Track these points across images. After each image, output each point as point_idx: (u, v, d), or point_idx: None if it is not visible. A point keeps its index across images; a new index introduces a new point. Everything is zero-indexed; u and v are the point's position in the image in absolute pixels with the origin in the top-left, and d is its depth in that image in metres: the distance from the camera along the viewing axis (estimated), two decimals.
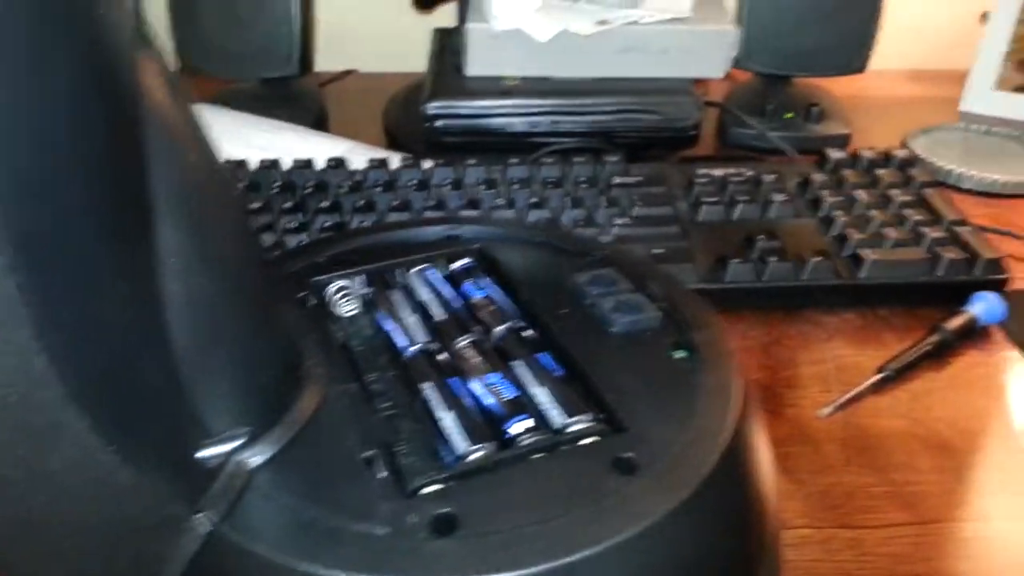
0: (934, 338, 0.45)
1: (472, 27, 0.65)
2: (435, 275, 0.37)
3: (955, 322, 0.46)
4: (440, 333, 0.34)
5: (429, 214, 0.54)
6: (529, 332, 0.34)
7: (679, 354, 0.32)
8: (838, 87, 0.75)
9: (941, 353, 0.46)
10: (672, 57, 0.64)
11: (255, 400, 0.27)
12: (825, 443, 0.40)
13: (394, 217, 0.54)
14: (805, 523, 0.37)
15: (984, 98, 0.76)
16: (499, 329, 0.33)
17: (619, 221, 0.53)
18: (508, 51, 0.65)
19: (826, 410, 0.42)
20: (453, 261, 0.38)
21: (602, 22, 0.63)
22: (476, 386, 0.31)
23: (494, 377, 0.31)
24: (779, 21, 0.66)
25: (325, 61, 0.84)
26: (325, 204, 0.55)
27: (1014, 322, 0.48)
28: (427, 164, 0.60)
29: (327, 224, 0.53)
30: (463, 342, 0.33)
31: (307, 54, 0.71)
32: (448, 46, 0.71)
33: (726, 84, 0.75)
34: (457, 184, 0.57)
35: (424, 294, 0.36)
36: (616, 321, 0.33)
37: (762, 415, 0.36)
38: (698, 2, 0.66)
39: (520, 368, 0.32)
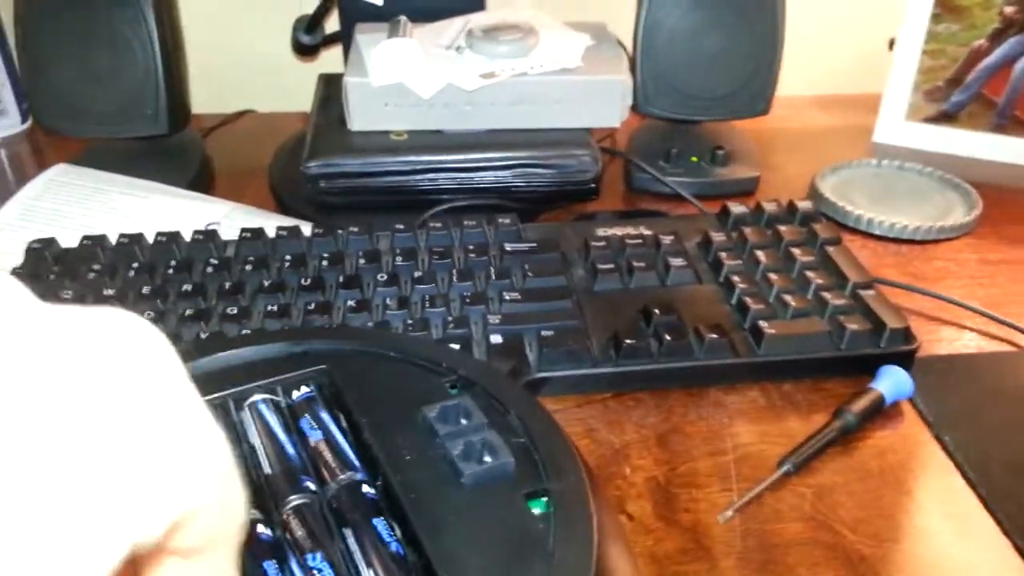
0: (837, 424, 0.42)
1: (351, 81, 0.60)
2: (269, 410, 0.33)
3: (859, 404, 0.43)
4: (266, 492, 0.29)
5: (305, 295, 0.50)
6: (367, 487, 0.29)
7: (535, 507, 0.28)
8: (746, 121, 0.72)
9: (847, 439, 0.43)
10: (565, 108, 0.60)
11: None
12: (722, 557, 0.37)
13: (264, 301, 0.49)
14: None
15: (896, 129, 0.74)
16: (333, 486, 0.29)
17: (509, 296, 0.49)
18: (392, 105, 0.61)
19: (725, 515, 0.39)
20: (293, 388, 0.34)
21: (488, 75, 0.59)
22: (295, 571, 0.26)
23: (316, 558, 0.26)
24: (675, 67, 0.63)
25: (221, 101, 0.79)
26: (187, 288, 0.50)
27: (923, 396, 0.45)
28: (306, 232, 0.55)
29: (188, 312, 0.48)
30: (289, 507, 0.28)
31: (179, 108, 0.66)
32: (333, 94, 0.67)
33: (634, 126, 0.71)
34: (336, 258, 0.53)
35: (254, 437, 0.32)
36: (465, 471, 0.29)
37: (643, 557, 0.32)
38: (591, 49, 0.63)
39: (351, 540, 0.27)
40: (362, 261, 0.52)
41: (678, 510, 0.39)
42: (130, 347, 0.16)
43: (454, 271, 0.51)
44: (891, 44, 0.74)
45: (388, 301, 0.49)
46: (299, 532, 0.27)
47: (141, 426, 0.15)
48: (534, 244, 0.54)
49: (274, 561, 0.26)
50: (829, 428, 0.42)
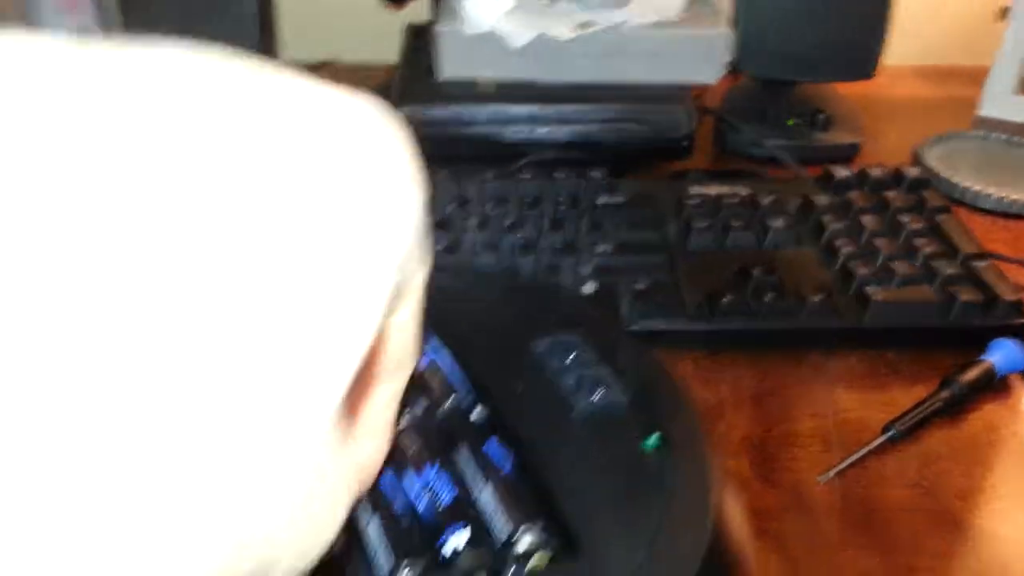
0: (946, 393, 0.40)
1: (443, 29, 0.60)
2: None
3: (970, 374, 0.41)
4: None
5: None
6: (478, 411, 0.29)
7: (648, 445, 0.28)
8: (847, 89, 0.70)
9: (955, 409, 0.41)
10: (661, 62, 0.59)
11: None
12: (823, 515, 0.36)
13: None
14: None
15: (1003, 103, 0.71)
16: (444, 406, 0.29)
17: (601, 248, 0.48)
18: (483, 55, 0.60)
19: (826, 476, 0.37)
20: None
21: (583, 25, 0.58)
22: (411, 482, 0.26)
23: (431, 472, 0.26)
24: (778, 22, 0.61)
25: (302, 50, 0.79)
26: None
27: None
28: None
29: None
30: (403, 422, 0.28)
31: (268, 47, 0.66)
32: (421, 44, 0.66)
33: (725, 86, 0.69)
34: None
35: None
36: (577, 402, 0.28)
37: (745, 508, 0.31)
38: (690, 2, 0.61)
39: (463, 458, 0.27)
40: (452, 206, 0.52)
41: (777, 468, 0.38)
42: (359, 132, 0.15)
43: (545, 221, 0.51)
44: (1003, 13, 0.70)
45: (477, 246, 0.49)
46: (412, 448, 0.27)
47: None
48: (626, 199, 0.53)
49: (391, 470, 0.26)
50: (937, 396, 0.40)
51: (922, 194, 0.51)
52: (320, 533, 0.14)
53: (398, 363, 0.19)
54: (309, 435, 0.13)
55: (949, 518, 0.36)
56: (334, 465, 0.14)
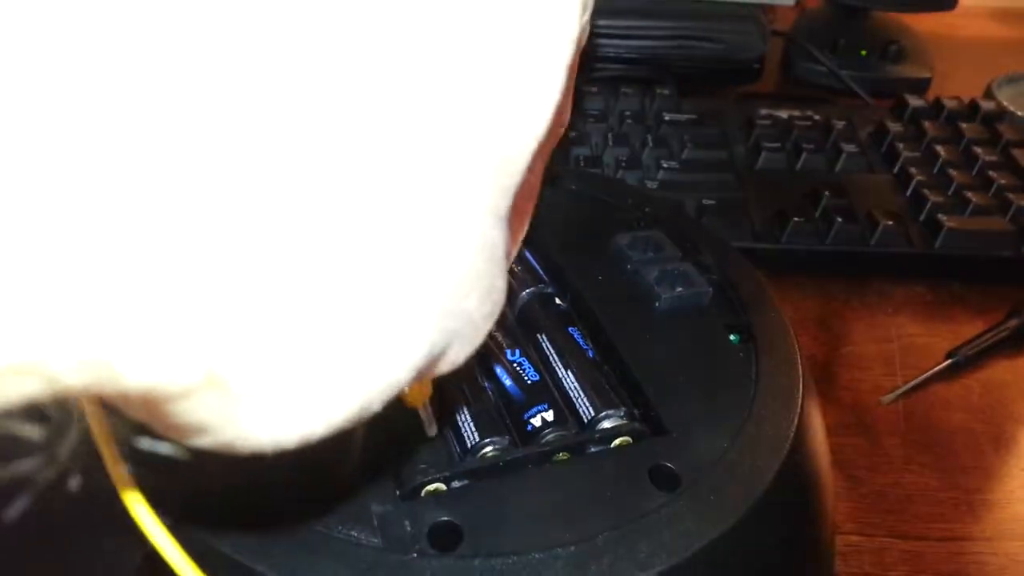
0: (1013, 322, 0.40)
1: None
2: None
3: None
4: None
5: None
6: (560, 300, 0.29)
7: (731, 338, 0.28)
8: (919, 24, 0.67)
9: (1020, 341, 0.40)
10: None
11: None
12: (884, 435, 0.36)
13: None
14: (856, 529, 0.32)
15: None
16: (525, 293, 0.29)
17: (667, 164, 0.48)
18: None
19: (889, 397, 0.37)
20: None
21: None
22: (496, 363, 0.26)
23: (515, 355, 0.26)
24: None
25: None
26: None
27: None
28: None
29: None
30: None
31: None
32: None
33: (793, 12, 0.67)
34: None
35: None
36: (660, 295, 0.28)
37: (820, 407, 0.31)
38: None
39: (546, 344, 0.27)
40: None
41: (838, 387, 0.38)
42: None
43: (609, 135, 0.50)
44: None
45: None
46: (496, 332, 0.27)
47: None
48: (693, 116, 0.52)
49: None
50: (1004, 325, 0.40)
51: (996, 127, 0.50)
52: (483, 324, 0.14)
53: (552, 138, 0.18)
54: (505, 193, 0.13)
55: (1010, 443, 0.36)
56: (503, 250, 0.14)
